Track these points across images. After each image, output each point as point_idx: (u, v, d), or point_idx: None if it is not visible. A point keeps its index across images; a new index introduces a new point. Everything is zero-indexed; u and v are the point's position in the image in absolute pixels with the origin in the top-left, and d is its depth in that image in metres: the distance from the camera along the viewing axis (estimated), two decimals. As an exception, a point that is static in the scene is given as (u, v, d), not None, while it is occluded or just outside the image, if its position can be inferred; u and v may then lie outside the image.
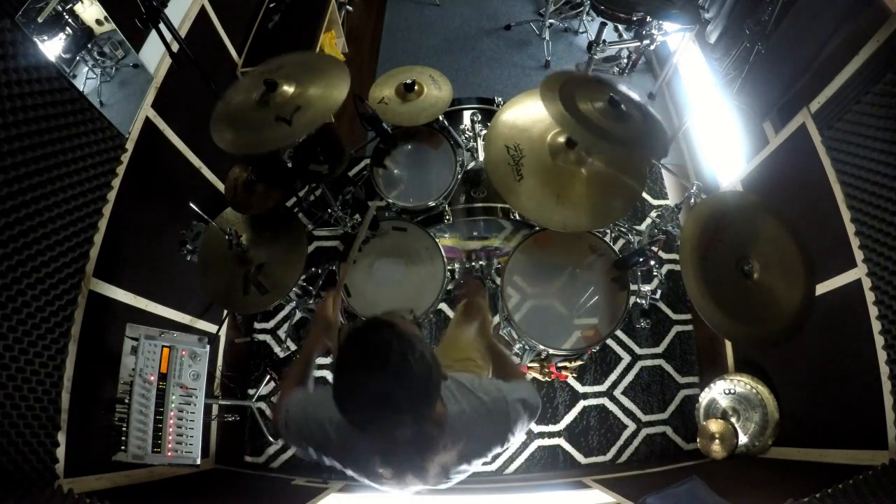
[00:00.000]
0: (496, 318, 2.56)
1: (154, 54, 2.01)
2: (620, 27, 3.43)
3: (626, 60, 3.26)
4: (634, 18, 2.57)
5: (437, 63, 3.48)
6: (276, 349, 2.64)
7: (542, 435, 2.48)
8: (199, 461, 1.75)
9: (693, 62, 2.98)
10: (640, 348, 2.63)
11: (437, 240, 1.95)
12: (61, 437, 1.49)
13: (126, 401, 1.65)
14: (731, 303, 1.48)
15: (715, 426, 2.29)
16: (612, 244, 1.95)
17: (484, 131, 2.09)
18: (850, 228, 1.78)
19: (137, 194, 1.95)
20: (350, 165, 3.04)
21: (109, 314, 1.81)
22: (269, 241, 1.89)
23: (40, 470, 1.42)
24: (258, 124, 1.68)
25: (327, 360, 2.58)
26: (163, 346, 1.75)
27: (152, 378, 1.71)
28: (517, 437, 1.10)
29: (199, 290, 1.89)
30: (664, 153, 1.58)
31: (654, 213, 2.77)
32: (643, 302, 2.43)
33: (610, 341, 2.63)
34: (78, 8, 1.59)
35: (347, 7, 3.69)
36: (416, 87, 2.04)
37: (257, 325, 2.70)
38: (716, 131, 2.86)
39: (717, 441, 2.27)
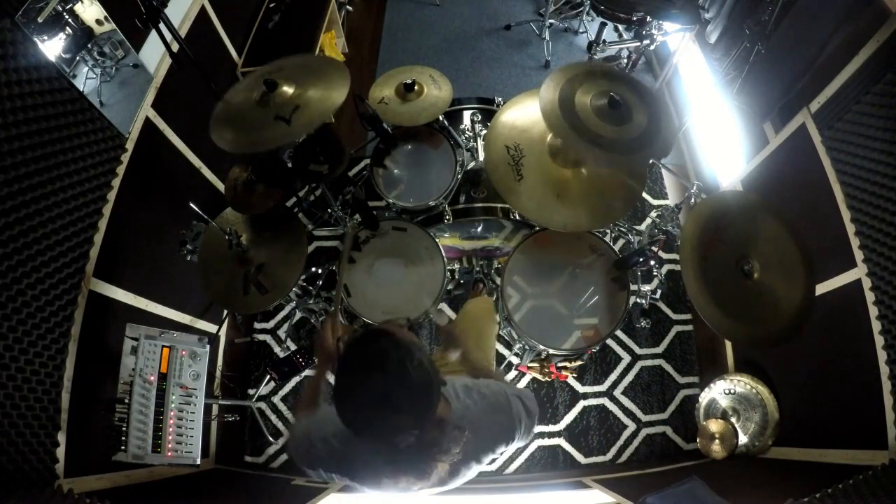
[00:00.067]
0: (495, 313, 2.56)
1: (154, 54, 2.01)
2: (620, 27, 3.44)
3: (626, 60, 3.25)
4: (634, 18, 2.56)
5: (437, 63, 3.47)
6: (276, 349, 2.64)
7: (542, 435, 2.48)
8: (199, 461, 1.75)
9: (693, 62, 2.98)
10: (640, 348, 2.63)
11: (437, 240, 1.95)
12: (61, 437, 1.49)
13: (126, 401, 1.65)
14: (731, 303, 1.48)
15: (715, 426, 2.29)
16: (612, 244, 1.95)
17: (484, 131, 2.09)
18: (850, 228, 1.78)
19: (137, 194, 1.95)
20: (350, 165, 3.04)
21: (109, 314, 1.81)
22: (269, 241, 1.89)
23: (40, 470, 1.42)
24: (257, 124, 1.69)
25: (327, 360, 2.58)
26: (163, 346, 1.75)
27: (152, 378, 1.71)
28: (523, 433, 1.10)
29: (199, 290, 1.89)
30: (667, 151, 1.57)
31: (654, 213, 2.77)
32: (643, 302, 2.43)
33: (610, 341, 2.63)
34: (78, 8, 1.59)
35: (347, 7, 3.69)
36: (416, 87, 2.04)
37: (257, 325, 2.70)
38: (716, 131, 2.86)
39: (717, 441, 2.27)
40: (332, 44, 3.41)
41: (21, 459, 1.37)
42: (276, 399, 2.54)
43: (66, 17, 1.55)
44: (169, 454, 1.69)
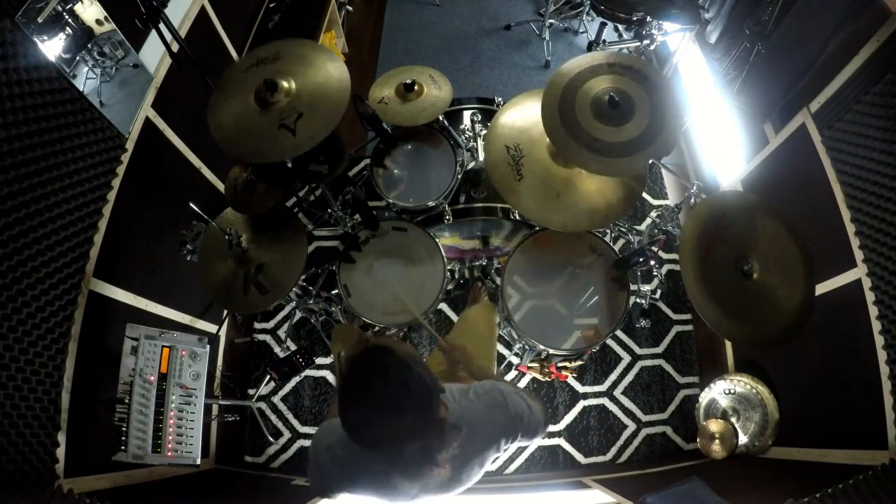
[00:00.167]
0: (496, 319, 2.56)
1: (154, 54, 2.01)
2: (620, 27, 3.44)
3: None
4: (634, 18, 2.57)
5: (437, 63, 3.47)
6: (276, 349, 2.64)
7: (542, 435, 2.48)
8: (199, 461, 1.75)
9: (693, 62, 2.98)
10: (640, 348, 2.63)
11: (437, 240, 1.95)
12: (61, 437, 1.49)
13: (126, 401, 1.65)
14: (731, 303, 1.48)
15: (715, 426, 2.29)
16: (612, 244, 1.95)
17: (484, 131, 2.09)
18: (850, 228, 1.78)
19: (137, 194, 1.95)
20: (350, 165, 3.04)
21: (109, 314, 1.81)
22: (269, 241, 1.89)
23: (40, 470, 1.42)
24: (261, 132, 1.66)
25: (328, 360, 2.58)
26: (163, 346, 1.75)
27: (152, 378, 1.71)
28: (525, 430, 1.10)
29: (199, 290, 1.89)
30: (671, 147, 1.57)
31: (654, 213, 2.77)
32: (643, 302, 2.43)
33: (610, 341, 2.63)
34: (78, 8, 1.59)
35: (347, 7, 3.69)
36: (416, 87, 2.04)
37: (257, 325, 2.70)
38: (716, 131, 2.86)
39: (717, 441, 2.27)
40: (333, 44, 3.41)
41: (21, 459, 1.37)
42: (276, 399, 2.54)
43: (66, 17, 1.55)
44: (169, 454, 1.69)
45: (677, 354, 2.64)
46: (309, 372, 2.57)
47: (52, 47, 1.50)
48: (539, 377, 2.50)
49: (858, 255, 1.75)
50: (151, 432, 1.67)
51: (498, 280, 2.27)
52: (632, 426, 2.50)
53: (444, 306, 2.69)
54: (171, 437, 1.70)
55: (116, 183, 1.80)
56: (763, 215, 1.58)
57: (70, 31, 1.57)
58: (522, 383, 2.56)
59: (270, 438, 2.46)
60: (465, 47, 3.69)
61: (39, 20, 1.45)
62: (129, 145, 1.87)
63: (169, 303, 2.16)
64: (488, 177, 1.84)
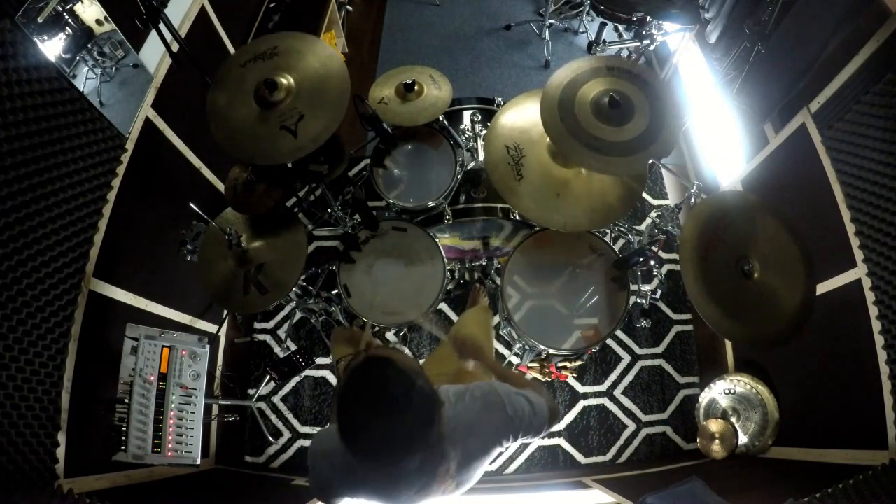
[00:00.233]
0: (496, 319, 2.57)
1: (154, 54, 2.01)
2: (620, 27, 3.44)
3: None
4: (634, 18, 2.57)
5: (437, 63, 3.48)
6: (276, 349, 2.64)
7: (542, 435, 2.48)
8: (199, 461, 1.75)
9: (693, 62, 2.98)
10: (640, 348, 2.63)
11: (437, 240, 1.95)
12: (61, 437, 1.49)
13: (126, 401, 1.65)
14: (731, 303, 1.48)
15: (715, 426, 2.29)
16: (612, 244, 1.95)
17: (484, 131, 2.09)
18: (850, 228, 1.78)
19: (137, 194, 1.95)
20: (350, 165, 3.04)
21: (109, 314, 1.81)
22: (269, 241, 1.89)
23: (40, 470, 1.42)
24: (263, 134, 1.66)
25: (327, 360, 2.58)
26: (163, 346, 1.75)
27: (152, 378, 1.71)
28: (527, 428, 1.09)
29: (199, 290, 1.89)
30: (671, 147, 1.57)
31: (654, 213, 2.76)
32: (643, 302, 2.43)
33: (610, 341, 2.63)
34: (78, 8, 1.59)
35: (347, 7, 3.69)
36: (416, 87, 2.04)
37: (257, 325, 2.70)
38: (716, 131, 2.86)
39: (717, 441, 2.27)
40: (333, 44, 3.41)
41: (21, 459, 1.37)
42: (276, 399, 2.54)
43: (66, 17, 1.55)
44: (169, 454, 1.69)
45: (677, 354, 2.64)
46: (309, 372, 2.57)
47: (52, 47, 1.50)
48: (539, 377, 2.50)
49: (858, 255, 1.75)
50: (151, 432, 1.67)
51: (498, 280, 2.27)
52: (632, 426, 2.50)
53: (444, 306, 2.69)
54: (171, 437, 1.70)
55: (116, 183, 1.80)
56: (763, 215, 1.58)
57: (70, 31, 1.57)
58: (522, 383, 2.56)
59: (270, 438, 2.46)
60: (465, 47, 3.69)
61: (39, 20, 1.45)
62: (129, 145, 1.87)
63: (169, 303, 2.16)
64: (488, 177, 1.84)
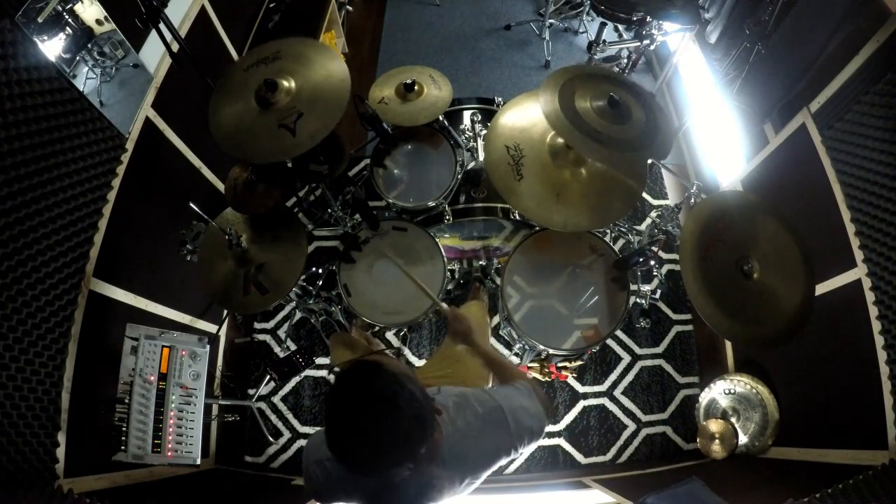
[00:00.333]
0: (496, 319, 2.57)
1: (154, 54, 2.01)
2: (620, 27, 3.43)
3: (626, 60, 3.25)
4: (634, 18, 2.56)
5: (437, 63, 3.49)
6: (276, 349, 2.64)
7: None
8: (199, 461, 1.75)
9: (693, 62, 2.98)
10: (640, 348, 2.63)
11: (437, 240, 1.95)
12: (61, 437, 1.49)
13: (126, 401, 1.65)
14: (731, 303, 1.48)
15: (715, 426, 2.29)
16: (612, 244, 1.94)
17: (484, 131, 2.09)
18: (850, 228, 1.78)
19: (137, 194, 1.95)
20: (350, 165, 3.04)
21: (109, 314, 1.81)
22: (269, 241, 1.89)
23: (40, 470, 1.42)
24: (261, 131, 1.66)
25: (327, 360, 2.58)
26: (163, 346, 1.75)
27: (152, 378, 1.71)
28: (529, 441, 1.08)
29: (199, 290, 1.89)
30: (665, 153, 1.58)
31: (654, 213, 2.77)
32: (643, 302, 2.43)
33: (610, 341, 2.63)
34: (78, 8, 1.59)
35: (347, 7, 3.69)
36: (416, 87, 2.04)
37: (257, 325, 2.70)
38: (716, 131, 2.86)
39: (717, 441, 2.27)
40: (333, 44, 3.41)
41: (21, 459, 1.37)
42: (276, 399, 2.54)
43: (66, 17, 1.55)
44: (169, 454, 1.69)
45: (677, 354, 2.64)
46: (309, 372, 2.57)
47: (52, 47, 1.50)
48: (539, 377, 2.50)
49: (858, 255, 1.75)
50: (151, 432, 1.67)
51: (498, 280, 2.27)
52: (632, 426, 2.50)
53: (443, 306, 2.69)
54: (171, 437, 1.70)
55: (116, 183, 1.80)
56: (763, 215, 1.58)
57: (70, 31, 1.57)
58: (522, 383, 2.56)
59: (270, 438, 2.46)
60: (465, 47, 3.69)
61: (39, 20, 1.45)
62: (129, 145, 1.87)
63: (169, 303, 2.16)
64: (488, 177, 1.83)
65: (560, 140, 1.70)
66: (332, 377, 1.01)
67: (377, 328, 2.56)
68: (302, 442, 2.48)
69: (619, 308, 1.83)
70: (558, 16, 3.70)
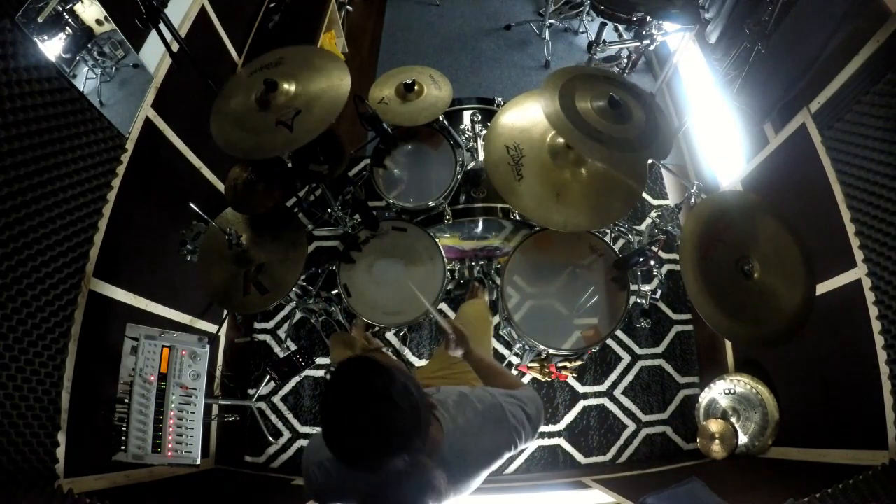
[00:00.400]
0: (496, 319, 2.57)
1: (154, 54, 2.01)
2: (620, 27, 3.43)
3: (626, 60, 3.26)
4: (634, 18, 2.56)
5: (437, 63, 3.49)
6: (276, 349, 2.64)
7: (542, 435, 2.48)
8: (199, 461, 1.75)
9: (693, 62, 2.98)
10: (640, 348, 2.63)
11: (437, 240, 1.95)
12: (61, 437, 1.49)
13: (126, 401, 1.65)
14: (731, 303, 1.48)
15: (715, 426, 2.29)
16: (612, 244, 1.95)
17: (484, 131, 2.09)
18: (850, 228, 1.78)
19: (137, 194, 1.95)
20: (350, 165, 3.04)
21: (109, 314, 1.81)
22: (269, 241, 1.89)
23: (40, 470, 1.42)
24: (260, 128, 1.67)
25: (327, 360, 2.58)
26: (163, 346, 1.75)
27: (152, 378, 1.71)
28: (526, 439, 1.09)
29: (199, 290, 1.89)
30: (665, 154, 1.58)
31: (654, 213, 2.77)
32: (643, 302, 2.43)
33: (610, 341, 2.63)
34: (78, 8, 1.59)
35: (347, 7, 3.69)
36: (416, 87, 2.04)
37: (257, 325, 2.70)
38: (716, 131, 2.86)
39: (717, 441, 2.27)
40: (332, 44, 3.41)
41: (21, 459, 1.37)
42: (276, 399, 2.54)
43: (66, 17, 1.55)
44: (169, 454, 1.69)
45: (677, 354, 2.64)
46: (309, 372, 2.57)
47: (52, 47, 1.50)
48: (539, 377, 2.50)
49: (858, 255, 1.75)
50: (151, 432, 1.67)
51: (498, 280, 2.27)
52: (632, 426, 2.50)
53: (444, 306, 2.69)
54: (170, 437, 1.70)
55: (116, 183, 1.80)
56: (763, 215, 1.58)
57: (70, 31, 1.57)
58: (522, 383, 2.56)
59: (270, 438, 2.46)
60: (465, 47, 3.70)
61: (39, 20, 1.45)
62: (129, 145, 1.87)
63: (169, 303, 2.16)
64: (488, 177, 1.83)
65: (560, 140, 1.70)
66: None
67: (377, 328, 2.56)
68: (302, 442, 2.48)
69: (619, 308, 1.84)
70: (558, 16, 3.70)
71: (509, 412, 1.07)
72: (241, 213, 1.93)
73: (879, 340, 1.66)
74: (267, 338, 2.68)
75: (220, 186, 2.54)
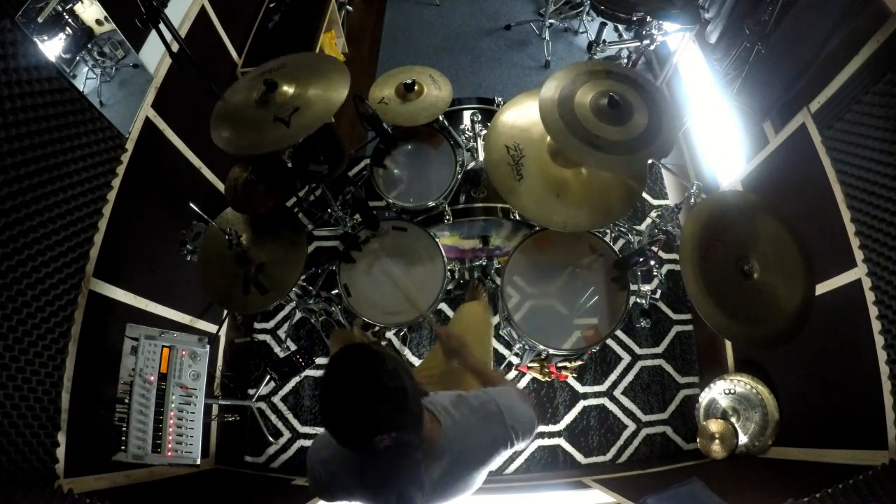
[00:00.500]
0: (496, 319, 2.57)
1: (154, 54, 2.01)
2: (620, 27, 3.44)
3: (626, 60, 3.26)
4: (634, 18, 2.56)
5: (437, 63, 3.49)
6: (276, 349, 2.64)
7: (542, 435, 2.48)
8: (199, 461, 1.75)
9: (693, 62, 2.98)
10: (640, 348, 2.63)
11: (437, 240, 1.95)
12: (61, 437, 1.49)
13: (126, 401, 1.65)
14: (731, 303, 1.48)
15: (715, 426, 2.29)
16: (612, 244, 1.94)
17: (484, 131, 2.09)
18: (850, 228, 1.78)
19: (137, 194, 1.95)
20: (350, 165, 3.04)
21: (109, 314, 1.81)
22: (269, 241, 1.89)
23: (40, 470, 1.42)
24: (257, 125, 1.68)
25: (326, 360, 2.58)
26: (163, 346, 1.75)
27: (152, 378, 1.71)
28: (523, 436, 1.11)
29: (199, 290, 1.89)
30: (666, 153, 1.57)
31: (654, 213, 2.76)
32: (643, 302, 2.43)
33: (610, 341, 2.63)
34: (78, 8, 1.59)
35: (347, 7, 3.69)
36: (416, 87, 2.04)
37: (257, 325, 2.70)
38: (716, 131, 2.86)
39: (717, 441, 2.27)
40: (332, 44, 3.41)
41: (21, 459, 1.37)
42: (276, 399, 2.54)
43: (66, 17, 1.55)
44: (169, 454, 1.69)
45: (677, 354, 2.64)
46: (309, 372, 2.57)
47: (52, 47, 1.50)
48: (539, 377, 2.50)
49: (858, 255, 1.75)
50: (151, 432, 1.67)
51: (498, 280, 2.27)
52: (632, 426, 2.50)
53: (444, 306, 2.69)
54: (171, 437, 1.70)
55: (116, 183, 1.80)
56: (763, 215, 1.58)
57: (70, 31, 1.57)
58: (522, 383, 2.56)
59: (270, 438, 2.46)
60: (465, 47, 3.70)
61: (39, 20, 1.45)
62: (129, 145, 1.87)
63: (169, 303, 2.16)
64: (488, 177, 1.84)
65: (559, 145, 1.70)
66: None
67: (377, 328, 2.56)
68: (302, 442, 2.48)
69: (619, 308, 1.83)
70: (558, 16, 3.70)
71: (505, 409, 1.10)
72: (241, 213, 1.93)
73: (879, 340, 1.66)
74: (267, 338, 2.68)
75: (220, 186, 2.54)
